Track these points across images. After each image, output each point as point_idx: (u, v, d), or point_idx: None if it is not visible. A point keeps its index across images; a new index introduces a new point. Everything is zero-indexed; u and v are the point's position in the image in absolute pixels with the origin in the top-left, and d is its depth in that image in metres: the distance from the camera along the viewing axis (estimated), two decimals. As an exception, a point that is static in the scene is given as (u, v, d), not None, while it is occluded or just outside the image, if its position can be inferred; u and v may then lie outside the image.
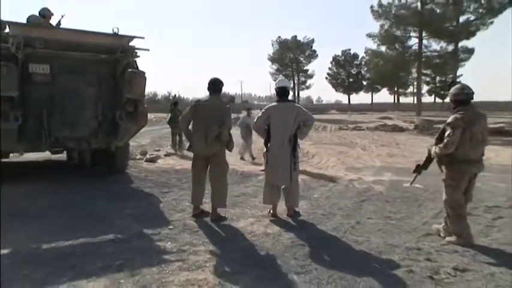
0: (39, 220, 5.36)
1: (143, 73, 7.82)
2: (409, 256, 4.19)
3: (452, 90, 4.68)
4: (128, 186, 7.82)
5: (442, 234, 4.79)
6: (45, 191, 7.02)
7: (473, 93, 4.61)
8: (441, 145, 4.56)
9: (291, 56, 67.24)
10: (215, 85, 5.55)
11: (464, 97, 4.58)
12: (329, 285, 3.51)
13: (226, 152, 5.61)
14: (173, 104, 15.07)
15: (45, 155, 9.38)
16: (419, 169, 5.09)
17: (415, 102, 47.74)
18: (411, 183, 5.48)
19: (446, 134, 4.51)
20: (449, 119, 4.55)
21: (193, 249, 4.33)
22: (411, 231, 5.07)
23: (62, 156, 10.25)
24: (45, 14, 8.30)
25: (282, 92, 5.75)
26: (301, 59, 67.85)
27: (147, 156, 11.28)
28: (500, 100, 43.97)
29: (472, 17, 38.20)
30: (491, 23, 37.63)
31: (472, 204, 6.23)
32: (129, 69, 7.61)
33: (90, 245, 4.48)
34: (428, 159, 4.96)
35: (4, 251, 4.18)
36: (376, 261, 4.08)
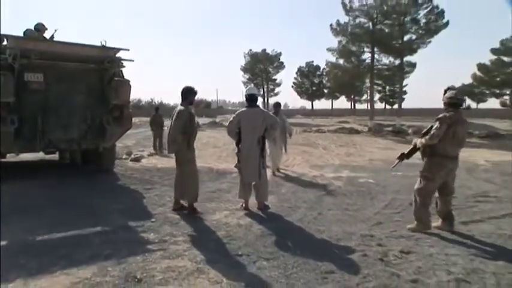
0: (34, 215, 5.23)
1: (128, 81, 7.81)
2: (363, 242, 4.26)
3: (448, 94, 4.69)
4: (115, 183, 7.68)
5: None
6: (39, 188, 6.84)
7: (464, 100, 4.72)
8: (427, 136, 4.59)
9: (261, 67, 67.14)
10: (182, 93, 5.46)
11: (456, 101, 4.63)
12: (294, 269, 3.53)
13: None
14: (155, 109, 14.95)
15: (40, 155, 9.13)
16: (403, 157, 5.06)
17: (369, 108, 48.56)
18: (393, 167, 5.47)
19: (434, 127, 4.54)
20: (440, 115, 4.58)
21: (174, 240, 4.29)
22: (365, 221, 5.15)
23: (55, 156, 9.99)
24: (40, 28, 8.16)
25: (250, 99, 5.74)
26: (270, 69, 67.84)
27: (132, 156, 11.08)
28: (435, 107, 45.54)
29: (414, 37, 39.21)
30: (429, 42, 38.85)
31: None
32: (116, 78, 7.60)
33: (80, 236, 4.40)
34: (413, 151, 4.95)
35: (2, 243, 4.10)
36: (336, 248, 4.14)
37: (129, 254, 3.81)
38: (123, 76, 7.89)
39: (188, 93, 5.46)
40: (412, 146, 4.95)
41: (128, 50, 7.88)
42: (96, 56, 7.55)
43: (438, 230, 4.68)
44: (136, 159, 10.63)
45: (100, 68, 7.55)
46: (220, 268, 3.53)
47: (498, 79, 51.27)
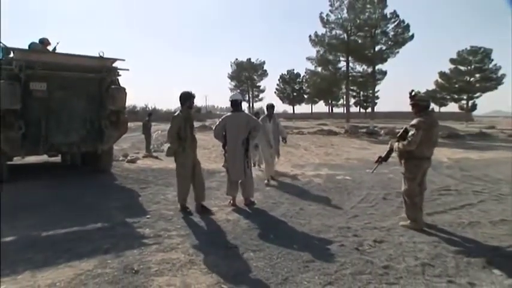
0: (39, 212, 5.17)
1: (124, 89, 7.77)
2: (341, 234, 4.31)
3: (419, 97, 4.48)
4: (112, 183, 7.60)
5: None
6: (43, 188, 6.75)
7: (430, 101, 4.65)
8: (405, 142, 4.35)
9: (246, 75, 67.19)
10: (180, 98, 5.23)
11: (426, 103, 4.48)
12: (279, 259, 3.56)
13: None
14: (148, 115, 14.77)
15: (43, 157, 9.00)
16: (381, 160, 4.85)
17: (345, 111, 48.97)
18: (373, 171, 5.32)
19: (410, 134, 4.32)
20: (414, 121, 4.36)
21: (168, 234, 4.28)
22: (342, 214, 5.21)
23: (57, 158, 9.85)
24: (44, 41, 8.11)
25: (234, 104, 5.67)
26: (255, 77, 67.89)
27: (128, 158, 10.99)
28: (404, 110, 46.54)
29: (384, 47, 39.77)
30: (398, 52, 39.47)
31: (386, 191, 6.54)
32: (112, 86, 7.58)
33: (82, 232, 4.37)
34: (389, 153, 4.76)
35: (10, 238, 4.07)
36: (316, 239, 4.18)
37: (127, 248, 3.80)
38: (119, 84, 7.84)
39: (185, 98, 5.22)
40: (388, 149, 4.76)
41: (124, 60, 7.85)
42: (95, 66, 7.55)
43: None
44: (132, 161, 10.52)
45: (98, 77, 7.52)
46: (211, 260, 3.54)
47: (456, 86, 52.51)
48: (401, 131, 4.57)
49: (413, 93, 4.54)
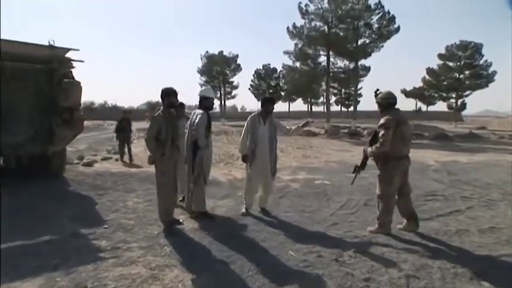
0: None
1: (79, 83, 7.55)
2: (319, 243, 4.33)
3: (382, 95, 4.73)
4: (65, 189, 7.38)
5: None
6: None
7: (396, 99, 4.79)
8: (377, 145, 4.50)
9: (218, 69, 66.81)
10: (160, 97, 4.88)
11: (392, 101, 4.69)
12: (251, 272, 3.55)
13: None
14: (123, 112, 14.33)
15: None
16: (358, 169, 4.98)
17: (325, 110, 49.58)
18: (352, 183, 5.34)
19: (380, 134, 4.47)
20: (382, 121, 4.51)
21: (127, 246, 4.19)
22: (321, 222, 5.25)
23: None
24: None
25: (199, 100, 5.44)
26: (227, 72, 67.68)
27: (84, 160, 10.72)
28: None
29: (368, 41, 40.46)
30: (382, 46, 40.23)
31: (367, 196, 6.64)
32: (65, 79, 7.31)
33: (28, 246, 4.20)
34: (365, 160, 4.86)
35: None
36: (292, 249, 4.18)
37: (80, 263, 3.69)
38: (73, 77, 7.61)
39: (164, 96, 4.82)
40: (363, 156, 4.86)
41: (78, 50, 7.67)
42: (44, 55, 7.24)
43: (404, 231, 4.77)
44: (89, 164, 10.28)
45: (48, 69, 7.24)
46: (176, 274, 3.49)
47: (445, 83, 53.89)
48: (372, 135, 4.76)
49: (377, 93, 4.83)
